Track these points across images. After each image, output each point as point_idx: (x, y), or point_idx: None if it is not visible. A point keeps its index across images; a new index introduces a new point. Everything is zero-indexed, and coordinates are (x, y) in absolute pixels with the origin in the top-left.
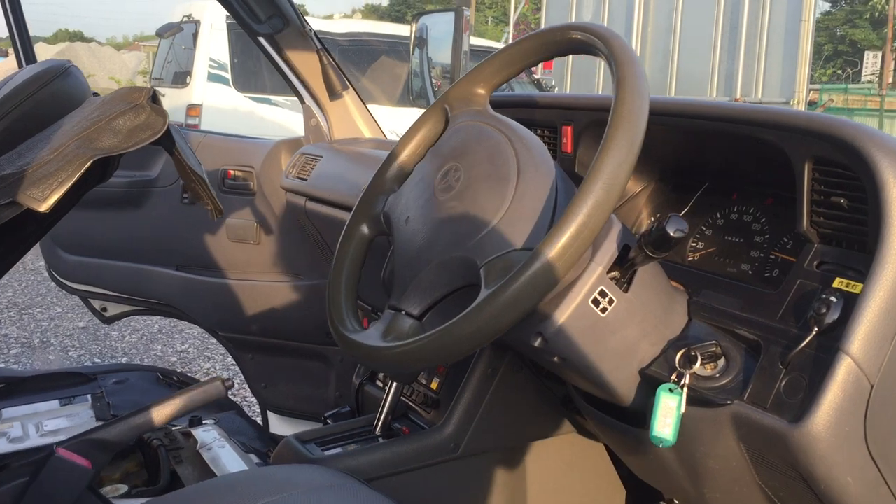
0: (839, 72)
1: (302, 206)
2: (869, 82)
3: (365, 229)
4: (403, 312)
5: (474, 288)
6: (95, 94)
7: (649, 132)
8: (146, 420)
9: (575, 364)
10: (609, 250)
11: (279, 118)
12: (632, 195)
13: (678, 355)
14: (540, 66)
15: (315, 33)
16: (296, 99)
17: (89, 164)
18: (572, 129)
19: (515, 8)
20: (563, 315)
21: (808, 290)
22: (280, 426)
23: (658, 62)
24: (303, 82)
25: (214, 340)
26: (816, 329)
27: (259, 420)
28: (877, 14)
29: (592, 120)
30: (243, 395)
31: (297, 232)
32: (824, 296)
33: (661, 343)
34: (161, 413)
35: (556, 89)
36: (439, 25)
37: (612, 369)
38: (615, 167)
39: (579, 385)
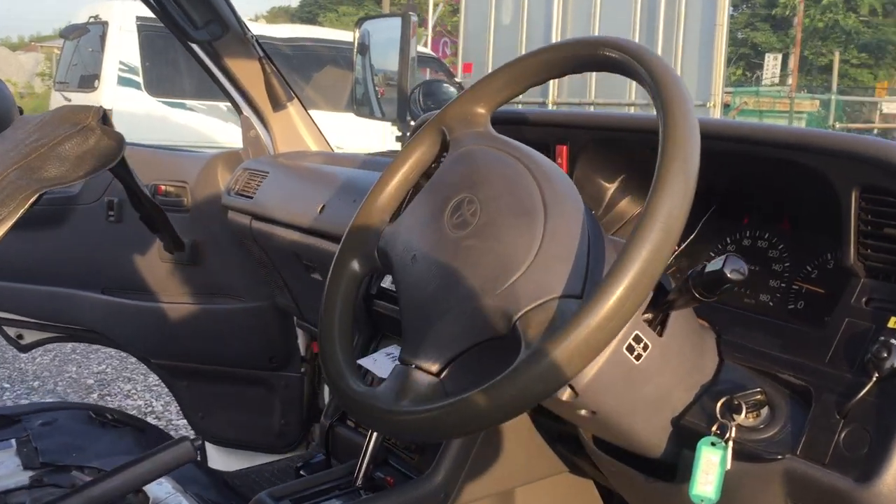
0: (747, 73)
1: (247, 226)
2: (772, 84)
3: (356, 266)
4: (414, 366)
5: (502, 340)
6: (21, 112)
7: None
8: (107, 490)
9: (606, 417)
10: None
11: (195, 123)
12: (631, 218)
13: (718, 404)
14: (460, 67)
15: (257, 40)
16: (212, 103)
17: (34, 198)
18: (567, 149)
19: (434, 10)
20: (595, 364)
21: (860, 330)
22: (220, 459)
23: None
24: (242, 92)
25: (134, 359)
26: (877, 375)
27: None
28: (787, 13)
29: (591, 139)
30: (170, 420)
31: (236, 251)
32: (882, 337)
33: (695, 389)
34: (125, 481)
35: None
36: (382, 31)
37: (644, 420)
38: (674, 204)
39: (603, 436)
